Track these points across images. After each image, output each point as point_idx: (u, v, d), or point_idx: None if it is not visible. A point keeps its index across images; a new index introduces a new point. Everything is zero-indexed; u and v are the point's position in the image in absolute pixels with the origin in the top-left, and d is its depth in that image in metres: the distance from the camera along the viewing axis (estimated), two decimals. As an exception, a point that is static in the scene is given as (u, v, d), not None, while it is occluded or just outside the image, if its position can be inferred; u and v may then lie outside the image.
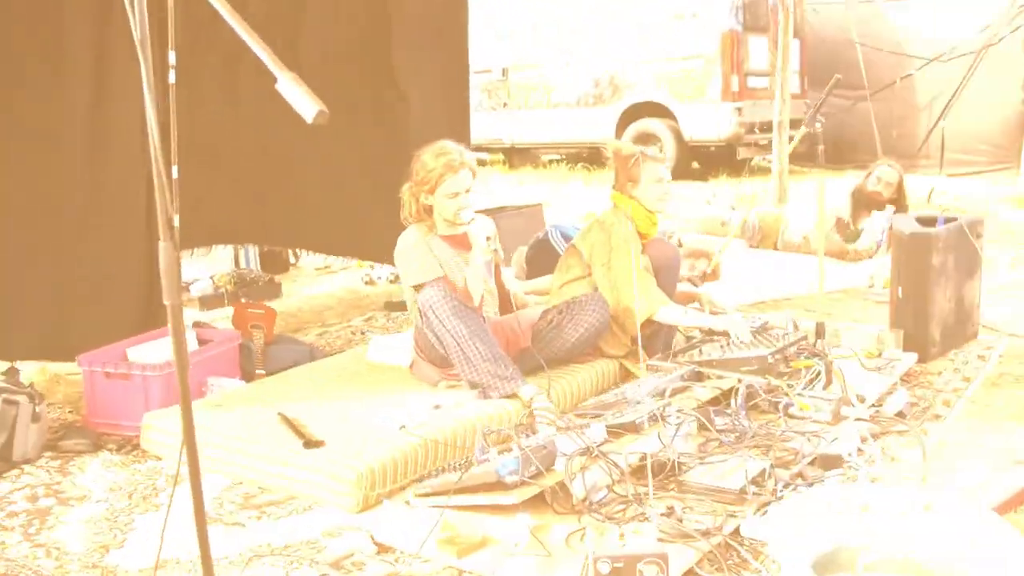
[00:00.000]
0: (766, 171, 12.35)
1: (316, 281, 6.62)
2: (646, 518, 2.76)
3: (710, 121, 10.80)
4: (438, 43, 5.67)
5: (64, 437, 3.72)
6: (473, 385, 3.71)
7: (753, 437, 3.34)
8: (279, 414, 3.54)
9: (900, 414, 3.65)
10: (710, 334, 4.12)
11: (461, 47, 5.85)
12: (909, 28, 10.81)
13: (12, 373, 3.74)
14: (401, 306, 5.77)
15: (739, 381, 3.66)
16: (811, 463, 3.17)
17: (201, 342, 4.23)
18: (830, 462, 3.17)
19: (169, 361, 3.82)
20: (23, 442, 3.58)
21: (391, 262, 6.05)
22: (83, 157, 4.26)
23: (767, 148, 11.40)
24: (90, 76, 4.24)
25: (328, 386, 3.98)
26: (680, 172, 11.25)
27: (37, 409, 3.63)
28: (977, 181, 10.33)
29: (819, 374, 3.72)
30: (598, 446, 3.04)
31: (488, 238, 3.79)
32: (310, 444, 3.28)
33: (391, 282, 6.46)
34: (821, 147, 4.26)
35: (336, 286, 6.41)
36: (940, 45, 10.30)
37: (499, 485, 2.83)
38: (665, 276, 4.28)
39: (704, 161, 11.67)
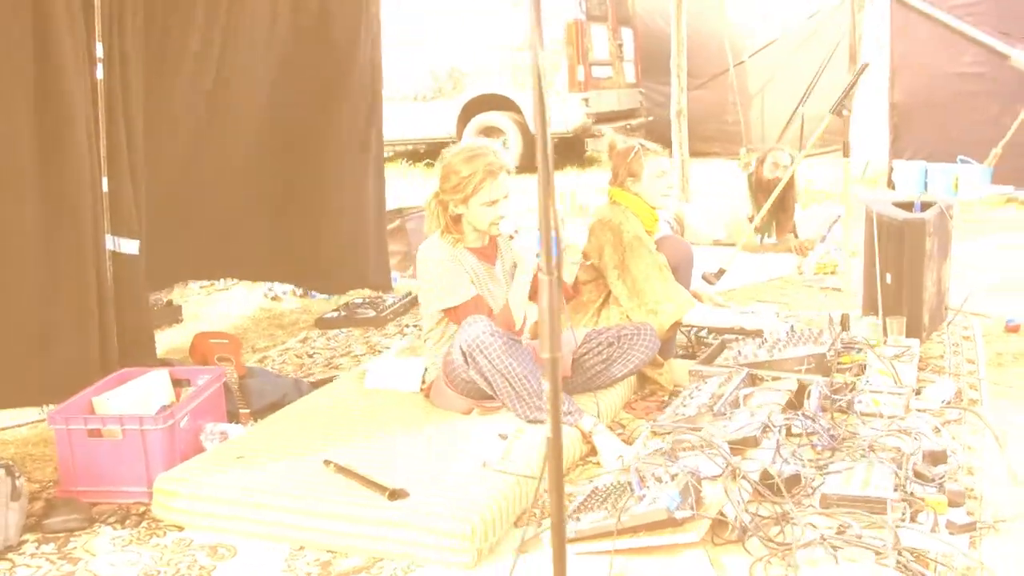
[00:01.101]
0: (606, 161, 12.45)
1: (210, 301, 5.94)
2: (826, 541, 2.55)
3: (557, 113, 10.67)
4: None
5: (47, 514, 3.06)
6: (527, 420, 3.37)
7: (844, 440, 3.20)
8: (329, 462, 3.06)
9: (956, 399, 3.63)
10: (740, 333, 3.96)
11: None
12: (739, 16, 11.16)
13: (-17, 443, 3.03)
14: (334, 323, 5.27)
15: (798, 381, 3.53)
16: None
17: (175, 382, 3.62)
18: (937, 458, 3.08)
19: (172, 411, 3.24)
20: (3, 526, 2.91)
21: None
22: (31, 174, 3.56)
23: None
24: (32, 101, 3.54)
25: (348, 422, 3.51)
26: (526, 166, 11.11)
27: (17, 484, 2.97)
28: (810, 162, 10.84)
29: (868, 368, 3.64)
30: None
31: (537, 254, 3.43)
32: (395, 495, 2.83)
33: (300, 296, 5.91)
34: (848, 137, 4.20)
35: (241, 306, 5.77)
36: (769, 33, 10.72)
37: (669, 522, 2.53)
38: (682, 274, 4.08)
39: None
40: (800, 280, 5.80)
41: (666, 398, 3.84)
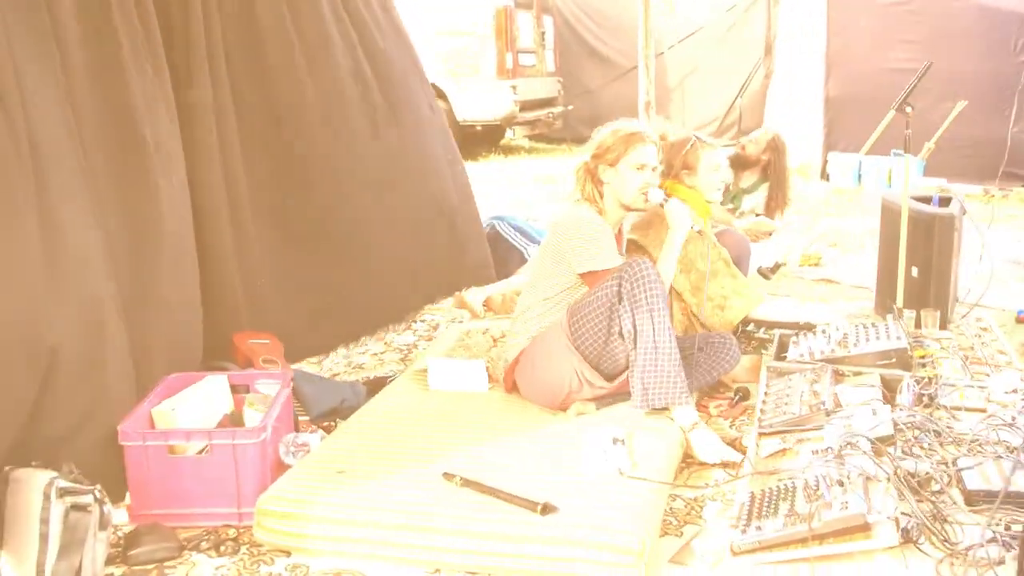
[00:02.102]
0: (523, 150, 12.32)
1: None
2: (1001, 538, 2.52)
3: (486, 100, 10.46)
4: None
5: (132, 543, 2.73)
6: (645, 393, 3.26)
7: (946, 434, 3.19)
8: (451, 476, 2.84)
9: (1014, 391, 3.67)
10: (806, 328, 3.92)
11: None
12: (656, 8, 11.20)
13: (69, 467, 2.65)
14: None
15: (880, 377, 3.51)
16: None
17: (235, 388, 3.31)
18: (1040, 451, 3.10)
19: (264, 423, 2.95)
20: (91, 560, 2.58)
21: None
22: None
23: (535, 125, 11.38)
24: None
25: (434, 428, 3.28)
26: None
27: (105, 511, 2.63)
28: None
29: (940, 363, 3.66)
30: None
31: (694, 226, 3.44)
32: (547, 510, 2.65)
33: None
34: (909, 131, 4.18)
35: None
36: (688, 26, 10.80)
37: (862, 527, 2.45)
38: (741, 269, 4.02)
39: (470, 141, 11.27)
40: (787, 272, 5.83)
41: (732, 395, 3.76)
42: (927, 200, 4.62)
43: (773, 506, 2.61)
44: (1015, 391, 3.62)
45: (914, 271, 4.43)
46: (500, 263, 5.03)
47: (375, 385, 3.80)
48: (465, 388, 3.63)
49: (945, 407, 3.41)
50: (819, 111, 9.01)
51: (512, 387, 3.58)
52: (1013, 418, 3.35)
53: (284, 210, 3.89)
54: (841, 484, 2.56)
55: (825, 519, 2.45)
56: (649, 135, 3.53)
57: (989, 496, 2.76)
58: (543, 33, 11.26)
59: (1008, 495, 2.75)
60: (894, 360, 3.56)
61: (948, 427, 3.25)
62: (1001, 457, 2.94)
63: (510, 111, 10.49)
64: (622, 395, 3.45)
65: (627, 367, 3.35)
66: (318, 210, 4.03)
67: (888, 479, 2.66)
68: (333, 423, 3.53)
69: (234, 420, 3.18)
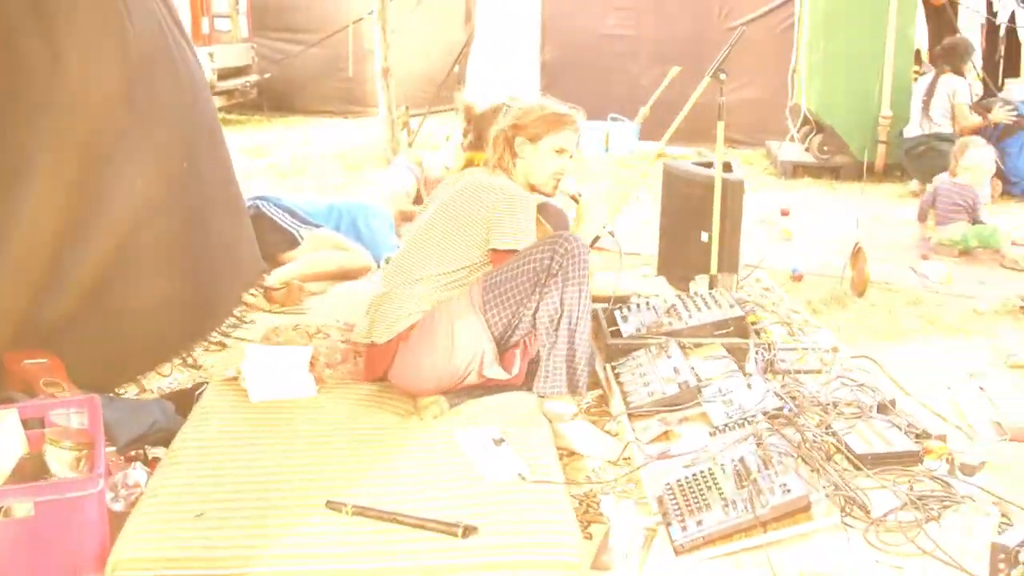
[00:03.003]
0: (237, 123, 11.38)
1: None
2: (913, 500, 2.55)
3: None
4: None
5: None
6: (570, 375, 3.11)
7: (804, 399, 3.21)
8: (338, 505, 2.44)
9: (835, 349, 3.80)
10: (621, 301, 3.84)
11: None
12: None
13: None
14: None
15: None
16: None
17: (26, 423, 2.65)
18: (892, 405, 3.19)
19: (94, 466, 2.37)
20: None
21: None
22: None
23: (231, 95, 10.55)
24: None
25: (285, 447, 2.83)
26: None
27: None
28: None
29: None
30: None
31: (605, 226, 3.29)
32: (468, 532, 2.34)
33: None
34: (723, 99, 4.11)
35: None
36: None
37: (803, 508, 2.37)
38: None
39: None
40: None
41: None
42: (708, 165, 4.70)
43: (702, 497, 2.47)
44: (831, 350, 3.79)
45: (704, 236, 4.49)
46: (267, 247, 4.52)
47: (179, 400, 3.23)
48: (290, 395, 3.18)
49: (788, 372, 3.46)
50: (535, 77, 9.08)
51: (378, 373, 3.22)
52: (842, 376, 3.46)
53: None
54: (769, 465, 2.47)
55: (771, 504, 2.35)
56: (578, 122, 3.38)
57: (877, 459, 2.80)
58: (237, -3, 10.49)
59: (898, 455, 2.80)
60: (732, 329, 3.56)
61: (798, 392, 3.28)
62: (872, 417, 3.00)
63: (208, 80, 9.63)
64: (464, 391, 3.18)
65: (514, 348, 3.16)
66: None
67: (798, 454, 2.63)
68: (142, 451, 2.95)
69: (34, 464, 2.54)
